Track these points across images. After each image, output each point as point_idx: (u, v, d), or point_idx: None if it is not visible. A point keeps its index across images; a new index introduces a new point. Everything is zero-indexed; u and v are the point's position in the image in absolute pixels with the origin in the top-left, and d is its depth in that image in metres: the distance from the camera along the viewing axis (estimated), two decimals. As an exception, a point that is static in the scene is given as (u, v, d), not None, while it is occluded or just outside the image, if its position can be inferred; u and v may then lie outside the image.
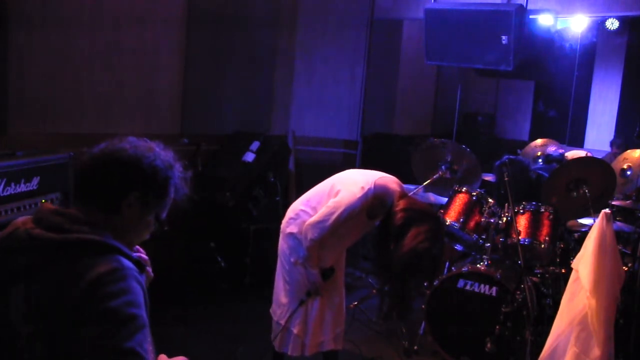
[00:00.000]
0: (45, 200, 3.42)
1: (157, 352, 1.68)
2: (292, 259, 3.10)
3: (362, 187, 2.92)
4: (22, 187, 3.28)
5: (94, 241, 1.43)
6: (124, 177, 1.53)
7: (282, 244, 3.19)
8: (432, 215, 2.97)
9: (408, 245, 2.80)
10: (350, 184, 2.97)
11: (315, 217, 2.97)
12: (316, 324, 3.13)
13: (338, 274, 3.22)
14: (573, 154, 5.60)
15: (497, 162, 4.51)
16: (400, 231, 2.83)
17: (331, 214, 2.91)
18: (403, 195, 2.95)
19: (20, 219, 1.50)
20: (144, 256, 1.80)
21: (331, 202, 2.95)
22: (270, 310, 3.30)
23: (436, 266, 3.11)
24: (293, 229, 3.10)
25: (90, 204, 1.52)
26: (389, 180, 3.00)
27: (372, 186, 2.92)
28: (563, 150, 5.74)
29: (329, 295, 3.16)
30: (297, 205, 3.16)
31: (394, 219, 2.86)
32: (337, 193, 2.98)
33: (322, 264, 3.08)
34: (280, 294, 3.19)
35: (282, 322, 3.15)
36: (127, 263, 1.45)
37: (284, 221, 3.21)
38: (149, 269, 1.78)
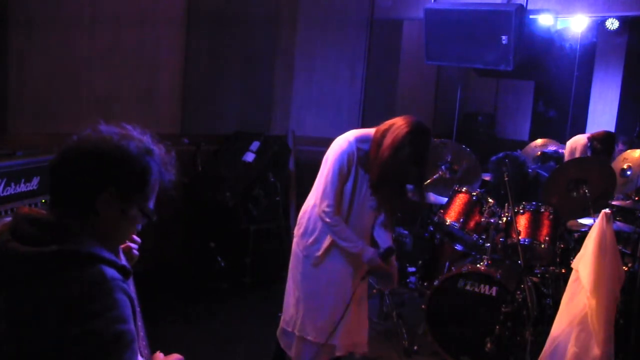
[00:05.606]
0: (45, 201, 3.43)
1: (156, 351, 1.67)
2: (317, 254, 3.02)
3: (345, 140, 2.94)
4: (22, 187, 3.29)
5: (72, 252, 1.30)
6: (93, 173, 1.37)
7: (296, 247, 3.13)
8: (411, 122, 2.90)
9: (388, 143, 2.78)
10: (334, 147, 2.97)
11: (318, 193, 2.95)
12: (353, 324, 3.11)
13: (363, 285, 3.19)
14: (576, 140, 5.57)
15: (493, 158, 4.49)
16: (379, 142, 2.82)
17: (327, 175, 2.91)
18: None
19: None
20: (134, 244, 1.72)
21: (324, 170, 2.96)
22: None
23: (423, 168, 3.03)
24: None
25: (64, 205, 1.38)
26: (367, 129, 3.02)
27: (352, 137, 2.93)
28: (562, 150, 5.74)
29: (359, 299, 3.16)
30: (305, 204, 3.14)
31: (374, 141, 2.86)
32: (326, 161, 2.99)
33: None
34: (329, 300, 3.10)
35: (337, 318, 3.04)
36: (111, 273, 1.32)
37: (296, 230, 3.15)
38: (136, 252, 1.71)
